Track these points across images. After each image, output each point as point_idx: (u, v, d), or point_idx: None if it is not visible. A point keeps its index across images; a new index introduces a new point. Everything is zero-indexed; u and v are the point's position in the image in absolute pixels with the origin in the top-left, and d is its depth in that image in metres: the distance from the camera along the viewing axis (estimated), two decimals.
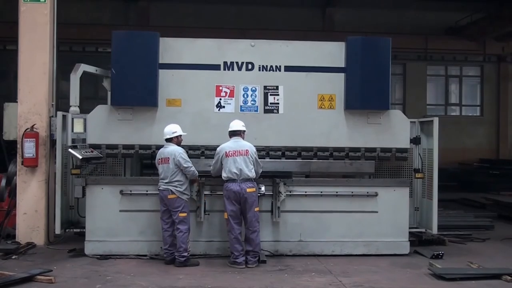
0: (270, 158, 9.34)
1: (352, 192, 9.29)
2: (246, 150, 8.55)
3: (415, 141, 9.85)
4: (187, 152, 8.87)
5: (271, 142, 9.41)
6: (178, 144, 8.65)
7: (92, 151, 9.12)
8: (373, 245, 9.31)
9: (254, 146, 8.84)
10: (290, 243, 9.22)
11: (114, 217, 9.06)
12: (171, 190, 8.45)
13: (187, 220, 8.55)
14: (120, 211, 9.08)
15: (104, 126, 9.26)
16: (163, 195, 8.49)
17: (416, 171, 9.78)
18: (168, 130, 8.63)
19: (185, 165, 8.47)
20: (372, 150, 9.53)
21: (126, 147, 9.28)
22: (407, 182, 9.60)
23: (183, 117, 9.21)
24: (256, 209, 8.56)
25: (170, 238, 8.58)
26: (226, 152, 8.50)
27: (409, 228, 9.49)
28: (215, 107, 9.34)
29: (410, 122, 9.71)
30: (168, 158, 8.45)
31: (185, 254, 8.46)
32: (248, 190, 8.46)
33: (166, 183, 8.50)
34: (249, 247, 8.53)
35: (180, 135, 8.69)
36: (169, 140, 8.62)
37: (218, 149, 8.61)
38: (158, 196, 8.67)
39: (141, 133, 9.26)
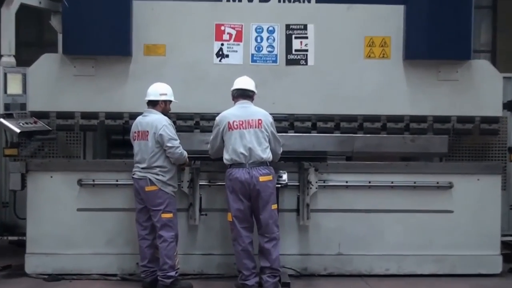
0: (295, 132, 9.17)
1: (414, 183, 8.97)
2: (259, 120, 8.16)
3: (511, 106, 9.49)
4: (174, 123, 8.65)
5: (296, 109, 9.18)
6: (165, 113, 8.42)
7: (35, 122, 8.78)
8: (446, 261, 9.03)
9: (272, 114, 8.52)
10: (324, 257, 8.96)
11: (69, 219, 8.81)
12: (149, 180, 8.05)
13: (174, 224, 8.23)
14: (78, 210, 8.84)
15: (53, 86, 9.02)
16: (139, 186, 8.12)
17: (511, 151, 9.59)
18: (154, 90, 8.38)
19: (168, 144, 8.11)
20: (445, 119, 9.23)
21: (86, 115, 9.05)
22: (498, 167, 9.34)
23: (168, 71, 9.02)
24: (274, 206, 8.17)
25: (149, 250, 8.26)
26: (229, 122, 8.11)
27: (501, 235, 9.25)
28: (215, 56, 9.12)
29: (504, 78, 9.39)
30: (147, 132, 8.09)
31: (172, 273, 8.12)
32: (261, 178, 8.04)
33: (143, 168, 8.09)
34: (264, 262, 8.14)
35: (170, 101, 8.45)
36: (153, 104, 8.30)
37: (217, 118, 8.30)
38: (132, 187, 8.40)
39: (108, 96, 9.06)
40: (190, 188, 8.68)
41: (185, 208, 8.70)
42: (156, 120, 8.13)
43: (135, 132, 8.22)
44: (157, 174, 8.07)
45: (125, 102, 8.96)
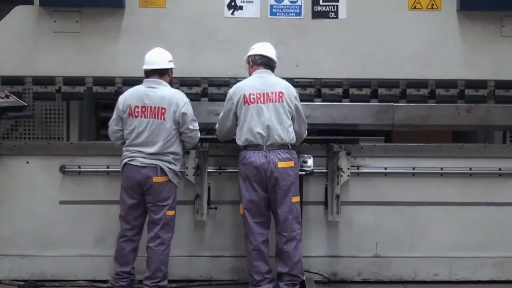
0: (322, 100, 8.88)
1: (470, 169, 8.68)
2: (280, 92, 7.90)
3: None
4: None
5: (324, 72, 8.86)
6: (170, 83, 8.24)
7: (7, 97, 8.52)
8: (509, 265, 8.78)
9: (295, 79, 8.54)
10: (358, 260, 8.78)
11: (49, 214, 8.63)
12: (160, 168, 7.80)
13: (174, 224, 8.12)
14: (61, 202, 8.65)
15: (28, 45, 8.76)
16: (142, 177, 7.85)
17: None
18: (160, 57, 8.04)
19: (190, 127, 7.91)
20: (510, 85, 8.88)
21: (70, 81, 8.76)
22: None
23: (169, 26, 8.78)
24: (295, 199, 7.98)
25: (134, 254, 8.16)
26: (245, 95, 7.87)
27: None
28: (226, 8, 8.87)
29: None
30: (164, 109, 7.86)
31: (165, 283, 8.02)
32: (280, 164, 7.83)
33: (151, 154, 7.75)
34: (282, 267, 7.94)
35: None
36: (160, 73, 8.00)
37: (230, 91, 8.06)
38: (124, 176, 8.05)
39: (96, 57, 8.80)
40: (196, 176, 8.47)
41: (191, 201, 8.52)
42: (175, 96, 7.92)
43: (137, 107, 7.81)
44: (170, 163, 7.88)
45: (117, 64, 8.71)
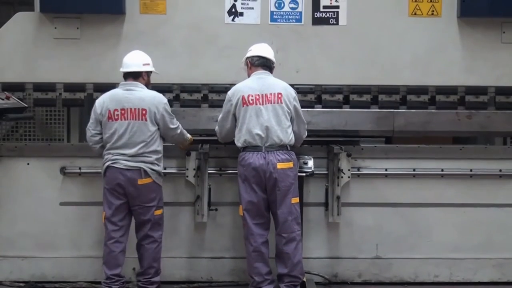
0: (323, 107, 8.86)
1: (471, 170, 8.70)
2: (279, 93, 7.91)
3: None
4: (178, 96, 8.64)
5: (324, 78, 8.87)
6: (148, 86, 8.24)
7: (8, 98, 8.47)
8: (509, 266, 8.75)
9: (295, 85, 8.34)
10: (359, 261, 8.76)
11: (50, 215, 8.63)
12: (144, 170, 7.81)
13: (163, 221, 8.21)
14: (62, 204, 8.66)
15: (29, 51, 8.77)
16: (127, 179, 7.89)
17: None
18: (134, 60, 8.09)
19: (172, 126, 7.98)
20: (510, 91, 8.88)
21: (70, 87, 8.77)
22: None
23: (170, 32, 8.79)
24: (295, 200, 7.97)
25: (123, 256, 8.10)
26: (243, 97, 7.89)
27: None
28: (227, 14, 8.86)
29: None
30: (145, 110, 7.85)
31: (157, 279, 8.09)
32: (279, 165, 7.82)
33: (133, 156, 7.79)
34: (282, 269, 7.94)
35: (151, 72, 8.25)
36: (134, 76, 8.05)
37: (229, 92, 8.07)
38: (108, 178, 8.01)
39: (96, 63, 8.79)
40: (196, 178, 8.50)
41: (191, 202, 8.53)
42: (154, 97, 7.96)
43: (116, 110, 7.85)
44: (152, 164, 7.92)
45: (118, 71, 8.34)
